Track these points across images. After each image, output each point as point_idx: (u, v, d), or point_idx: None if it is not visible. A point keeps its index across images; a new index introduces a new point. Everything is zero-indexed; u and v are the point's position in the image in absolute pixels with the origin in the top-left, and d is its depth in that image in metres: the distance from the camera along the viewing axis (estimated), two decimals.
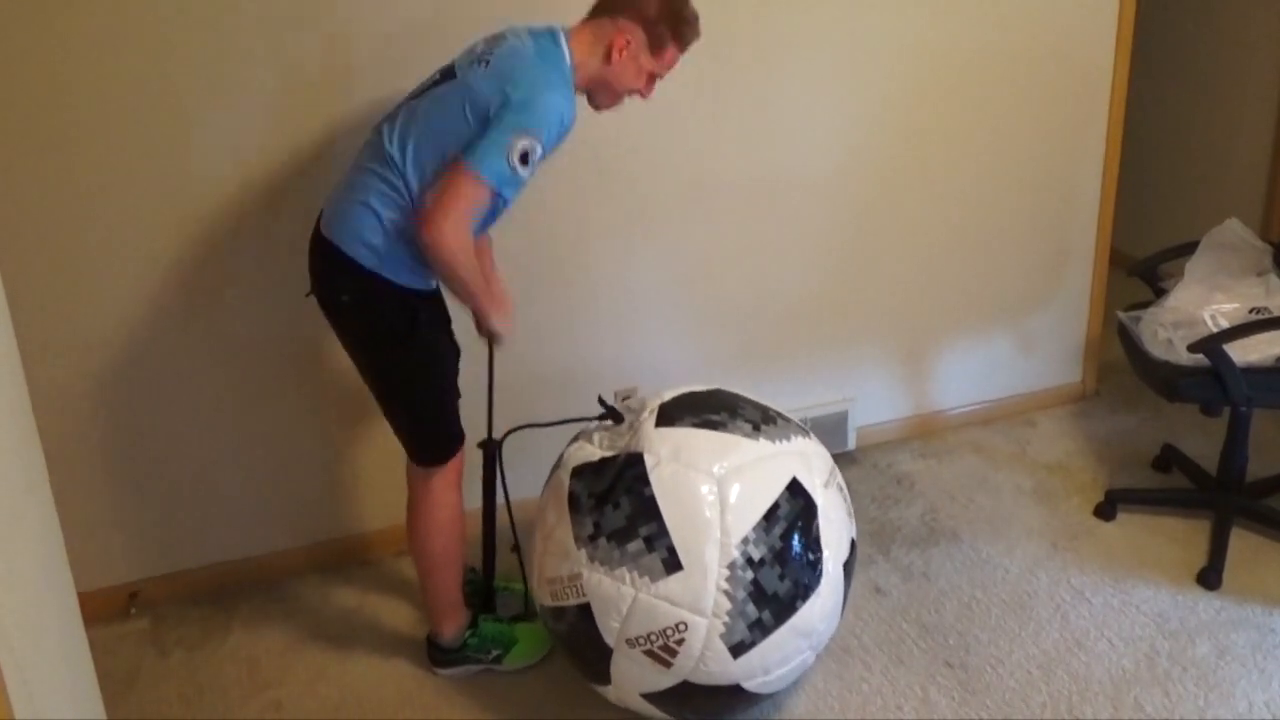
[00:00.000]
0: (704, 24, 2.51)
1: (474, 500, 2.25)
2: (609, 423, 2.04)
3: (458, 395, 2.09)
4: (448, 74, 1.92)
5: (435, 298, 2.00)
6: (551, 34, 1.94)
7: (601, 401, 2.09)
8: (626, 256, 2.67)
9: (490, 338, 2.03)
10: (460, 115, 1.83)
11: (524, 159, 1.80)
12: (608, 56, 1.95)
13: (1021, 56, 2.89)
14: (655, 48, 1.99)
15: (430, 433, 2.06)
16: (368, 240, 1.88)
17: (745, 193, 2.72)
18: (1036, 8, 2.86)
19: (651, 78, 2.03)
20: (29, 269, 2.20)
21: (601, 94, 2.01)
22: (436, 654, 2.24)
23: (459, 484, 2.12)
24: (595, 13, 2.00)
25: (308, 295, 2.01)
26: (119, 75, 2.15)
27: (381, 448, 2.53)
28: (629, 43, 1.96)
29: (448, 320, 2.05)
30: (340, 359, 2.40)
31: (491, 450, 2.20)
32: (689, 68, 2.54)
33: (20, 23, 2.05)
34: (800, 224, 2.82)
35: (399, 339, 1.96)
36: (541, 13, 2.11)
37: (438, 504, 2.08)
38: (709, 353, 2.83)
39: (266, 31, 2.21)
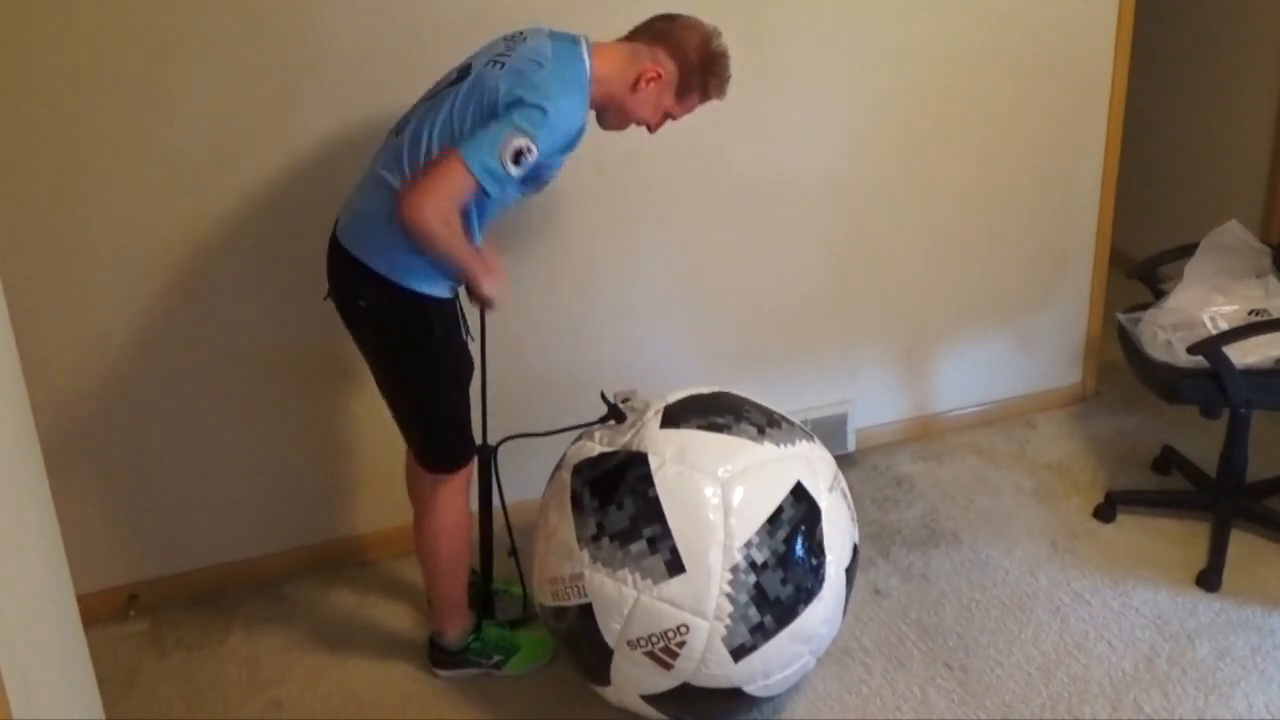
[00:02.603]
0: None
1: (471, 503, 2.25)
2: (611, 422, 2.04)
3: (469, 405, 2.09)
4: (464, 73, 1.90)
5: (452, 306, 2.00)
6: (573, 40, 1.92)
7: (604, 398, 2.09)
8: (626, 257, 2.67)
9: (482, 303, 1.98)
10: (473, 112, 1.82)
11: (516, 158, 1.76)
12: (635, 83, 1.93)
13: (1021, 57, 2.89)
14: (682, 91, 1.99)
15: (443, 441, 2.07)
16: (382, 247, 1.88)
17: (746, 193, 2.72)
18: (1036, 8, 2.85)
19: (665, 117, 2.02)
20: (29, 270, 2.20)
21: (612, 116, 1.98)
22: (438, 655, 2.24)
23: (467, 490, 2.12)
24: (635, 35, 1.99)
25: (325, 299, 2.01)
26: (118, 77, 2.14)
27: (381, 449, 2.52)
28: (659, 76, 1.95)
29: (465, 330, 2.04)
30: (340, 360, 2.40)
31: (487, 456, 2.20)
32: None
33: (18, 25, 2.05)
34: (800, 225, 2.82)
35: (415, 347, 1.95)
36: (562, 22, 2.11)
37: (446, 509, 2.08)
38: (709, 354, 2.83)
39: (272, 33, 2.21)
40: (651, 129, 2.04)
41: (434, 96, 1.92)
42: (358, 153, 2.04)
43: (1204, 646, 2.26)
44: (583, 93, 1.87)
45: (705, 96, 2.03)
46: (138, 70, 2.15)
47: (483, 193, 1.78)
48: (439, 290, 1.93)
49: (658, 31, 1.98)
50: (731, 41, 2.57)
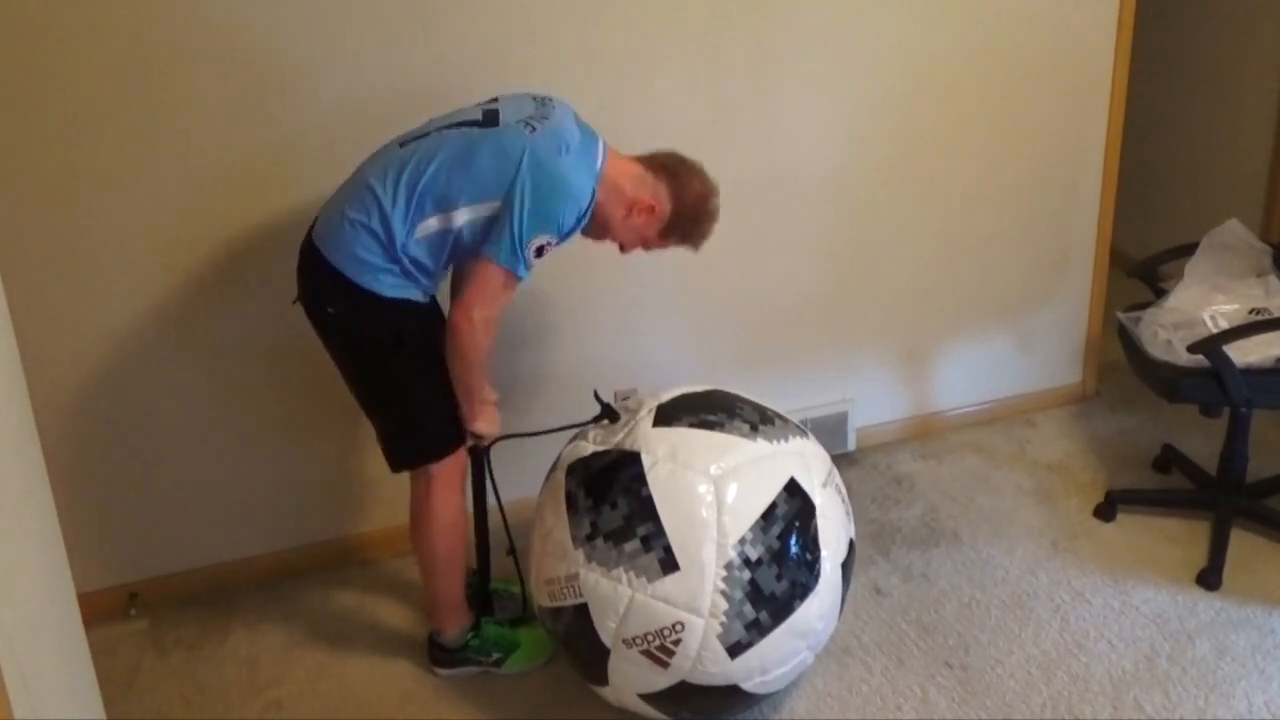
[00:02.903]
0: (703, 22, 2.53)
1: (468, 503, 2.25)
2: (605, 422, 2.04)
3: (444, 402, 2.08)
4: (490, 118, 1.92)
5: (424, 310, 2.01)
6: (594, 137, 1.97)
7: (598, 397, 2.09)
8: (626, 256, 2.66)
9: (474, 437, 2.11)
10: (489, 173, 1.86)
11: (539, 252, 1.89)
12: (629, 208, 1.98)
13: (1022, 56, 2.89)
14: (665, 230, 2.04)
15: (405, 438, 2.07)
16: (357, 254, 1.89)
17: (746, 193, 2.72)
18: (1037, 8, 2.85)
19: (639, 246, 2.07)
20: (29, 271, 2.20)
21: (595, 227, 2.00)
22: (437, 653, 2.24)
23: (461, 486, 2.12)
24: (647, 161, 2.03)
25: (294, 302, 2.01)
26: (114, 81, 2.15)
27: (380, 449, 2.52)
28: (652, 210, 1.99)
29: (438, 332, 2.03)
30: None
31: (479, 456, 2.20)
32: (689, 68, 2.55)
33: (15, 27, 2.05)
34: (800, 224, 2.82)
35: (383, 354, 1.97)
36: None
37: (440, 506, 2.09)
38: (709, 353, 2.83)
39: (265, 38, 2.21)
40: (623, 251, 2.09)
41: (453, 125, 1.93)
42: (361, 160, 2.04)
43: (1204, 645, 2.26)
44: (592, 184, 1.92)
45: (681, 242, 2.09)
46: (140, 74, 2.15)
47: (517, 283, 1.91)
48: (410, 294, 1.95)
49: (667, 167, 2.02)
50: (733, 41, 2.58)
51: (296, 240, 2.03)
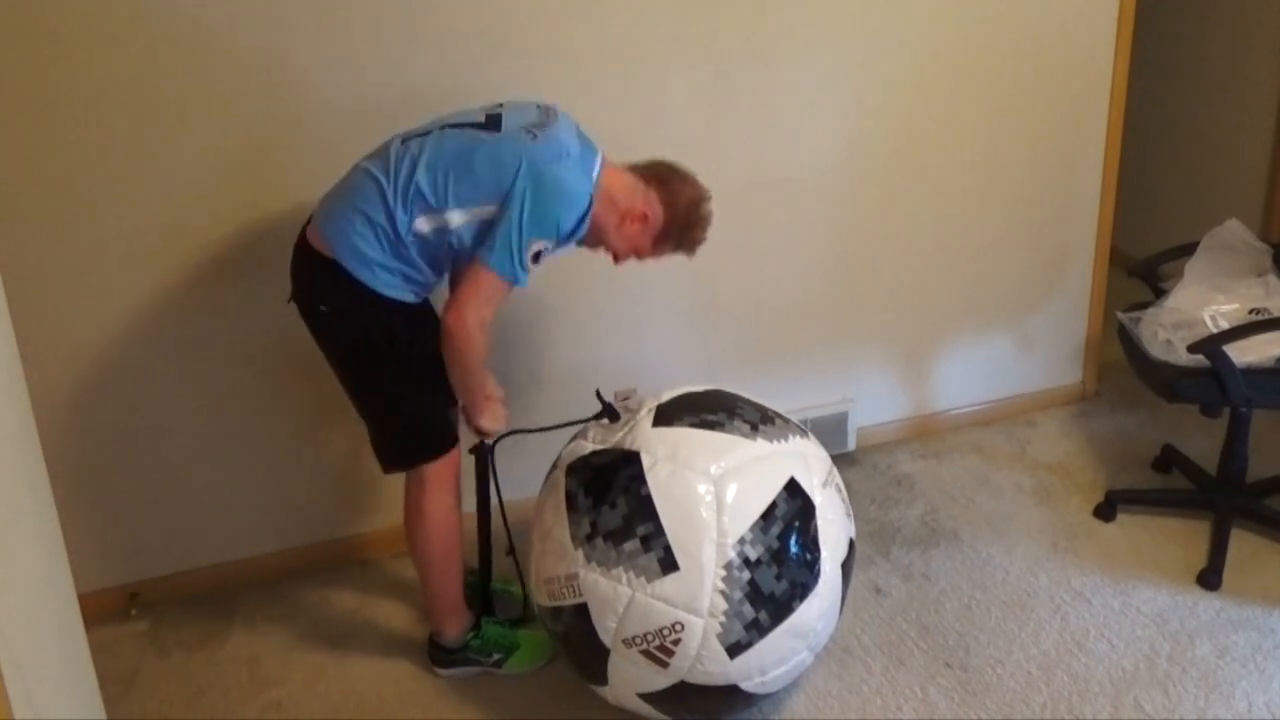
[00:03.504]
0: (703, 22, 2.53)
1: (470, 503, 2.25)
2: (605, 421, 2.04)
3: (451, 400, 2.09)
4: (493, 122, 1.93)
5: (417, 312, 2.01)
6: (594, 149, 1.99)
7: (599, 396, 2.09)
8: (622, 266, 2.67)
9: (478, 432, 2.11)
10: (486, 176, 1.86)
11: (536, 258, 1.89)
12: (623, 217, 1.99)
13: (1022, 56, 2.89)
14: (659, 238, 2.05)
15: (395, 439, 2.08)
16: (357, 246, 1.89)
17: (746, 192, 2.72)
18: (1037, 8, 2.85)
19: (633, 255, 2.08)
20: (28, 270, 2.20)
21: (589, 236, 2.01)
22: (438, 654, 2.25)
23: (454, 486, 2.12)
24: (640, 169, 2.04)
25: (289, 301, 2.01)
26: (111, 80, 2.15)
27: None
28: (646, 219, 2.01)
29: (431, 334, 2.02)
30: None
31: (484, 455, 2.20)
32: (689, 68, 2.55)
33: (14, 26, 2.06)
34: (800, 224, 2.82)
35: (375, 352, 1.97)
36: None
37: (433, 506, 2.09)
38: (709, 353, 2.83)
39: (260, 36, 2.21)
40: (617, 261, 2.10)
41: (454, 126, 1.94)
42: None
43: (1204, 645, 2.26)
44: (590, 189, 1.93)
45: (676, 249, 2.09)
46: (129, 76, 2.15)
47: (511, 287, 1.90)
48: (403, 295, 1.95)
49: (659, 175, 2.04)
50: (733, 41, 2.58)
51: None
